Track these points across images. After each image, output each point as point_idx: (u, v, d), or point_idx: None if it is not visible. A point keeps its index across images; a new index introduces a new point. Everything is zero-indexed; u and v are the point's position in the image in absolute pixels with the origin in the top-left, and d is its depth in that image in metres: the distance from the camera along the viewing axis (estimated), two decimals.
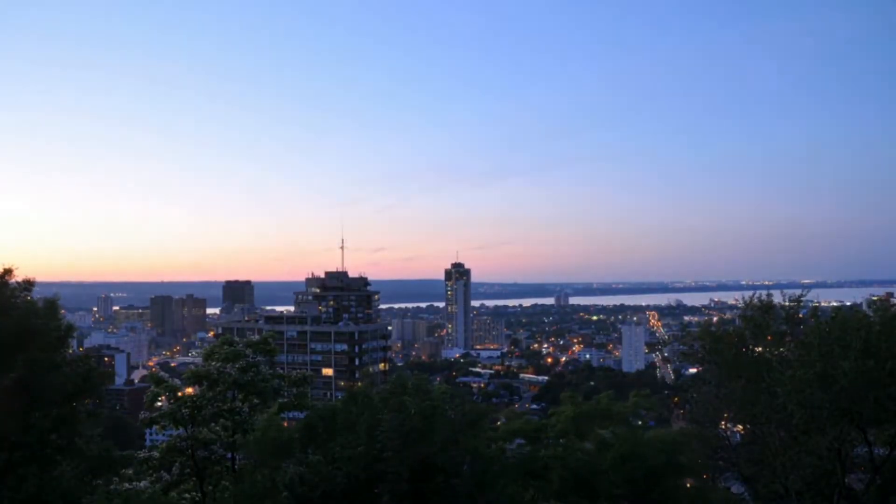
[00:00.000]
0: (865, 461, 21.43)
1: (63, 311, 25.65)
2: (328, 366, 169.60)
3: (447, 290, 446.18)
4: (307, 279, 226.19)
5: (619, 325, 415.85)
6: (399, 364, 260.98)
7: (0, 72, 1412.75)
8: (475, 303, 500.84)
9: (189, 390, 31.01)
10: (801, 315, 24.24)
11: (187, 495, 29.50)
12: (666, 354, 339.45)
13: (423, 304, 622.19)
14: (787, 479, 20.74)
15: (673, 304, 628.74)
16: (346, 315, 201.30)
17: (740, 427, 25.72)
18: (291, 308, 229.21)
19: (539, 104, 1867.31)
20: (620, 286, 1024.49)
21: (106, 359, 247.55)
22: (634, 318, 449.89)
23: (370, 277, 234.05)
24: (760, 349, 24.27)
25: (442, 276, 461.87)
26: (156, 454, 29.71)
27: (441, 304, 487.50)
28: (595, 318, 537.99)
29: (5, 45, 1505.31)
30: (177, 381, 32.02)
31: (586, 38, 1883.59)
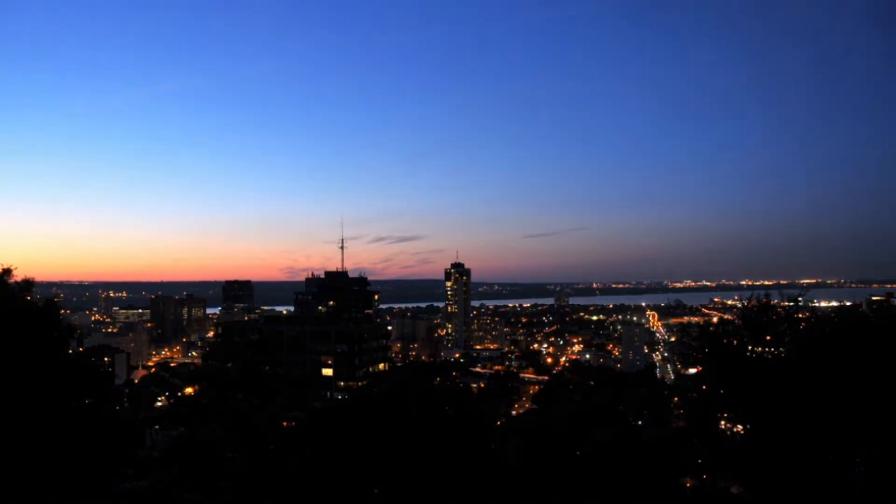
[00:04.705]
0: (865, 461, 21.43)
1: (64, 311, 25.64)
2: (328, 366, 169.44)
3: (447, 290, 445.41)
4: (307, 279, 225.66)
5: (619, 325, 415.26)
6: (398, 364, 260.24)
7: (5, 83, 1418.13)
8: (475, 303, 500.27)
9: (189, 390, 31.09)
10: (800, 315, 24.25)
11: (187, 495, 29.52)
12: (666, 354, 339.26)
13: (423, 304, 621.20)
14: (788, 480, 20.76)
15: (673, 304, 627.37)
16: (346, 315, 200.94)
17: (740, 427, 25.72)
18: (291, 308, 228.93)
19: (544, 107, 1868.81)
20: (620, 286, 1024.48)
21: (106, 359, 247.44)
22: (634, 318, 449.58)
23: (372, 279, 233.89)
24: (760, 349, 24.28)
25: (442, 277, 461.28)
26: (156, 454, 29.73)
27: (441, 304, 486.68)
28: (595, 318, 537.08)
29: (8, 57, 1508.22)
30: (177, 381, 32.09)
31: (594, 49, 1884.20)
